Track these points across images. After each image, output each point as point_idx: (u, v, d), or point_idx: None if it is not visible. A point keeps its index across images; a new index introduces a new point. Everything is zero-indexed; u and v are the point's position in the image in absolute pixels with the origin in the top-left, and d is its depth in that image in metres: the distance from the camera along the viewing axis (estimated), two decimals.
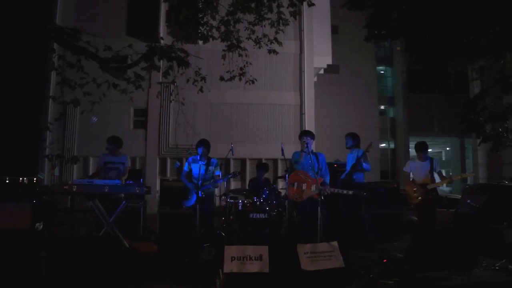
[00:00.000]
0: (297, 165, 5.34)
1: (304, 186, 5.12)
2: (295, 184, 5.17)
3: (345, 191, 5.20)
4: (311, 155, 5.23)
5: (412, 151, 23.24)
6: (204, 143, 5.80)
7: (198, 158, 5.81)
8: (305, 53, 15.40)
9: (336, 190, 5.10)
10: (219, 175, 5.90)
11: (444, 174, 5.86)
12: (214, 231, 5.83)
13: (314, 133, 5.73)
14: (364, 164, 5.98)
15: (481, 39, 7.86)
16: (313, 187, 5.07)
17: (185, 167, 5.93)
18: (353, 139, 6.38)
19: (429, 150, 6.09)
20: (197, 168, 5.61)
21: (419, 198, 5.70)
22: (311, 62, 15.54)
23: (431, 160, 5.82)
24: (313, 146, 5.56)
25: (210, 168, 5.79)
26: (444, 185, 6.01)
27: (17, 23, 5.63)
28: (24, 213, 4.59)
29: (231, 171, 13.26)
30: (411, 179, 6.09)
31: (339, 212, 6.76)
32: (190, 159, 5.89)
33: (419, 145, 5.92)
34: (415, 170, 5.89)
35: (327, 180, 5.27)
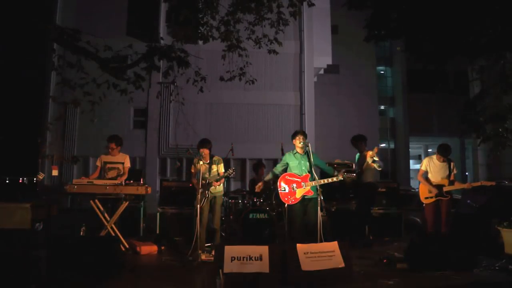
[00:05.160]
0: (294, 164, 5.30)
1: (295, 187, 5.12)
2: (285, 187, 5.17)
3: (334, 178, 5.14)
4: (307, 154, 5.23)
5: (412, 151, 23.38)
6: (205, 143, 5.80)
7: (200, 158, 5.81)
8: (305, 53, 15.38)
9: (325, 180, 5.09)
10: (222, 173, 5.90)
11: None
12: (216, 231, 5.83)
13: (314, 133, 5.75)
14: (375, 162, 5.98)
15: (481, 39, 7.84)
16: (304, 185, 5.08)
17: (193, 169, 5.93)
18: (357, 143, 6.44)
19: (429, 150, 6.06)
20: (201, 167, 5.63)
21: (433, 198, 5.69)
22: (311, 62, 15.52)
23: (450, 162, 5.78)
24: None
25: (214, 167, 5.80)
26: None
27: (17, 23, 5.64)
28: (24, 213, 4.59)
29: None
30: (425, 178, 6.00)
31: (339, 212, 6.77)
32: (195, 159, 5.90)
33: (445, 149, 5.81)
34: (433, 169, 5.84)
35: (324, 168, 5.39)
